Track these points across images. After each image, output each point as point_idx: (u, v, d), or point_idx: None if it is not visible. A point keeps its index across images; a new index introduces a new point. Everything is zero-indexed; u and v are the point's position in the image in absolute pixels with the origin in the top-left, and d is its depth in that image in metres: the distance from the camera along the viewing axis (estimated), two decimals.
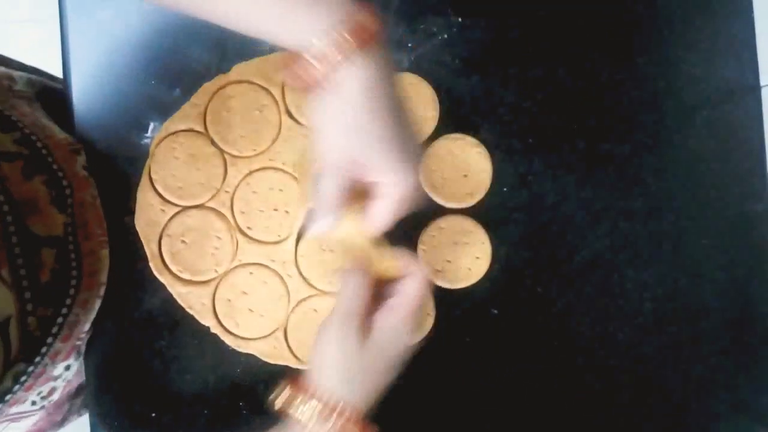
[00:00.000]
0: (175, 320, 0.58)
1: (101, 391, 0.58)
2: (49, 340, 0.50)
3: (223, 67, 0.59)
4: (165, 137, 0.58)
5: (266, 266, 0.58)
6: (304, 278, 0.58)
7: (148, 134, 0.59)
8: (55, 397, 0.57)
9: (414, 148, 0.42)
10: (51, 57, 0.65)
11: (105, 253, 0.57)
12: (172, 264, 0.58)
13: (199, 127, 0.58)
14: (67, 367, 0.56)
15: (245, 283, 0.58)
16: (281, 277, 0.58)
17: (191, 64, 0.59)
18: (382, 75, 0.39)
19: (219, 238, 0.58)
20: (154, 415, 0.58)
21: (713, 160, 0.60)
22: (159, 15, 0.59)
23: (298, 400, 0.44)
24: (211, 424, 0.58)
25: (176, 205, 0.58)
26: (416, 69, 0.59)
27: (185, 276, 0.58)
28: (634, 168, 0.60)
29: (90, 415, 0.58)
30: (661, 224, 0.60)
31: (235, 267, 0.58)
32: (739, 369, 0.60)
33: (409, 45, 0.59)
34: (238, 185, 0.58)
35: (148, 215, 0.58)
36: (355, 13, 0.37)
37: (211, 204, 0.58)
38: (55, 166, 0.54)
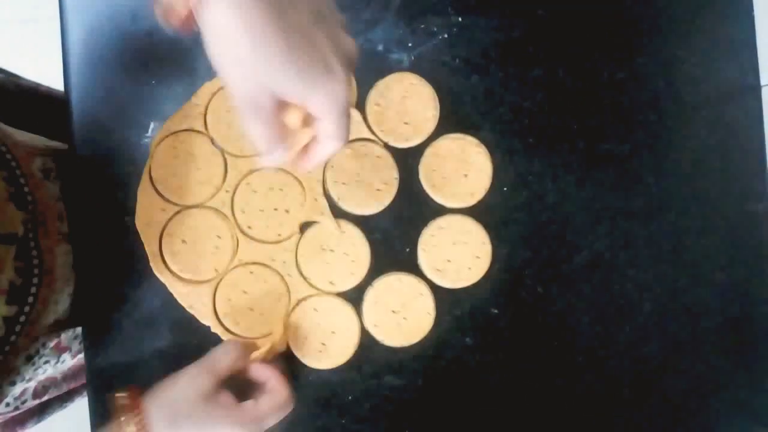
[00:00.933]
0: (175, 320, 0.58)
1: (101, 391, 0.58)
2: (13, 338, 0.51)
3: None
4: (165, 137, 0.58)
5: (266, 266, 0.58)
6: (304, 278, 0.58)
7: (148, 134, 0.59)
8: (28, 398, 0.58)
9: (331, 53, 0.37)
10: (51, 57, 0.65)
11: (61, 249, 0.57)
12: (172, 264, 0.58)
13: (200, 127, 0.58)
14: (35, 366, 0.57)
15: (245, 283, 0.58)
16: (281, 277, 0.58)
17: (191, 63, 0.59)
18: None
19: (219, 237, 0.58)
20: None
21: (713, 160, 0.60)
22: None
23: (125, 413, 0.46)
24: None
25: (176, 205, 0.58)
26: (416, 69, 0.59)
27: (185, 276, 0.58)
28: (634, 168, 0.60)
29: (90, 415, 0.58)
30: (661, 224, 0.60)
31: (235, 266, 0.58)
32: (739, 369, 0.60)
33: (409, 45, 0.59)
34: (238, 185, 0.58)
35: (148, 215, 0.58)
36: None
37: (211, 204, 0.58)
38: (13, 164, 0.54)
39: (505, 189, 0.59)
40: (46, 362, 0.59)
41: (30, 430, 0.66)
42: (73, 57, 0.59)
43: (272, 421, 0.50)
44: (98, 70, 0.59)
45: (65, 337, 0.60)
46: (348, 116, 0.40)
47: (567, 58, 0.60)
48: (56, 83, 0.65)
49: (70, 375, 0.67)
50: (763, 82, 0.61)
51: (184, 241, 0.58)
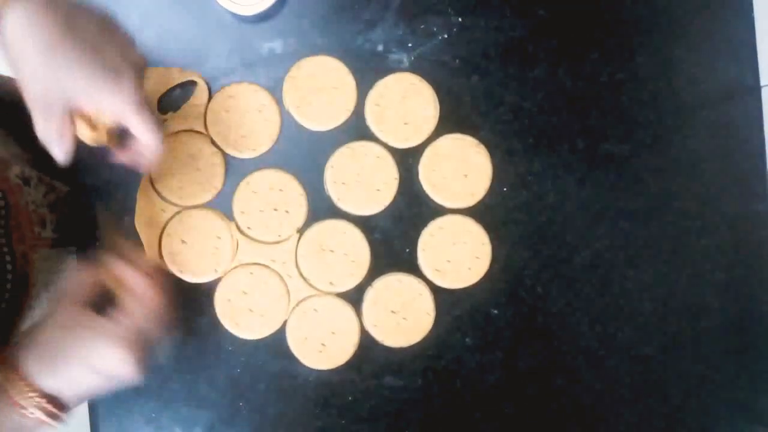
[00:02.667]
0: (174, 320, 0.58)
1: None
2: None
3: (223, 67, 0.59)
4: (165, 137, 0.58)
5: (266, 266, 0.58)
6: (304, 278, 0.58)
7: None
8: None
9: (120, 61, 0.42)
10: None
11: (40, 255, 0.56)
12: (172, 264, 0.58)
13: (199, 127, 0.58)
14: None
15: (245, 283, 0.58)
16: (281, 277, 0.58)
17: (191, 64, 0.59)
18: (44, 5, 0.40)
19: (219, 238, 0.58)
20: (154, 415, 0.58)
21: (713, 160, 0.60)
22: (159, 16, 0.59)
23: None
24: (211, 424, 0.58)
25: (176, 205, 0.58)
26: (416, 69, 0.59)
27: (185, 276, 0.58)
28: (634, 168, 0.60)
29: (90, 415, 0.58)
30: (661, 224, 0.60)
31: (235, 267, 0.58)
32: (739, 369, 0.60)
33: (409, 45, 0.59)
34: (238, 185, 0.58)
35: (148, 215, 0.58)
36: None
37: (211, 204, 0.58)
38: None
39: (505, 189, 0.59)
40: None
41: None
42: None
43: (151, 325, 0.47)
44: None
45: None
46: (146, 112, 0.44)
47: (567, 58, 0.60)
48: None
49: None
50: (763, 82, 0.61)
51: (184, 241, 0.58)
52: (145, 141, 0.46)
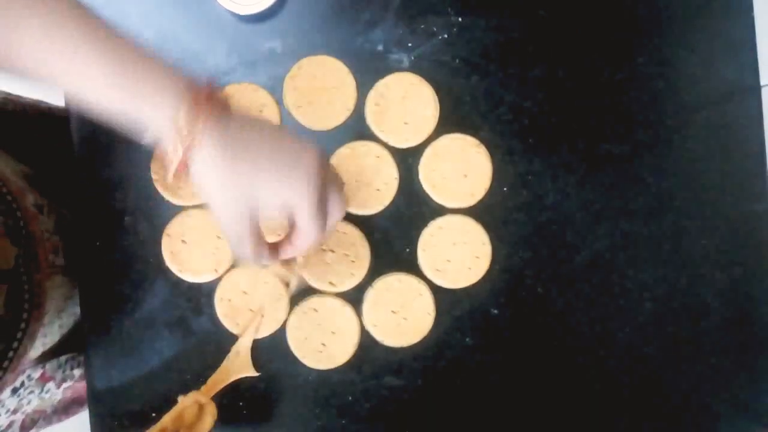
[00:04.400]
0: (175, 320, 0.58)
1: (101, 391, 0.58)
2: (0, 374, 0.50)
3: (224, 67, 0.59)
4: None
5: (266, 266, 0.58)
6: (304, 278, 0.58)
7: None
8: (15, 430, 0.58)
9: (296, 158, 0.41)
10: None
11: (53, 283, 0.56)
12: (172, 264, 0.58)
13: None
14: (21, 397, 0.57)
15: (245, 283, 0.58)
16: (281, 277, 0.58)
17: (191, 64, 0.59)
18: (236, 129, 0.40)
19: (219, 238, 0.58)
20: (154, 415, 0.58)
21: (713, 160, 0.60)
22: (159, 16, 0.59)
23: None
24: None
25: (176, 205, 0.58)
26: (416, 69, 0.59)
27: (185, 276, 0.58)
28: (634, 168, 0.60)
29: (90, 415, 0.58)
30: (661, 224, 0.60)
31: (235, 267, 0.58)
32: (739, 369, 0.60)
33: (409, 45, 0.59)
34: None
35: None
36: (189, 89, 0.39)
37: None
38: (9, 197, 0.53)
39: (505, 189, 0.59)
40: (31, 392, 0.58)
41: None
42: None
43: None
44: None
45: (49, 367, 0.60)
46: (322, 216, 0.43)
47: (567, 58, 0.60)
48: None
49: (61, 409, 0.66)
50: (763, 82, 0.61)
51: (184, 241, 0.58)
52: (300, 243, 0.44)
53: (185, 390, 0.57)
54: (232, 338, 0.58)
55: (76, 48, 0.37)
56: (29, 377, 0.57)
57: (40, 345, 0.56)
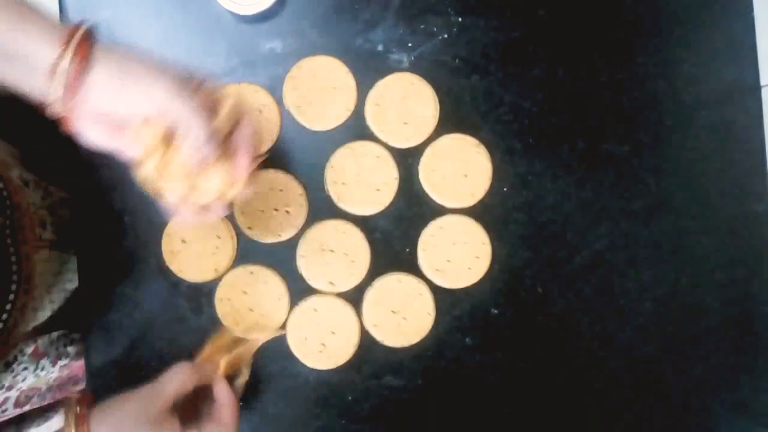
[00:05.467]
0: (174, 320, 0.58)
1: (101, 391, 0.58)
2: None
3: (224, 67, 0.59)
4: None
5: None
6: (304, 278, 0.58)
7: None
8: (9, 407, 0.58)
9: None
10: None
11: (41, 256, 0.56)
12: (172, 264, 0.58)
13: None
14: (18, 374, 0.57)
15: (245, 283, 0.58)
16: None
17: (191, 63, 0.59)
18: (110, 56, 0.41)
19: (219, 238, 0.58)
20: None
21: (713, 160, 0.60)
22: (159, 16, 0.59)
23: (72, 421, 0.47)
24: None
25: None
26: (416, 69, 0.59)
27: (185, 276, 0.58)
28: (634, 168, 0.60)
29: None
30: (661, 224, 0.60)
31: (235, 267, 0.58)
32: (739, 369, 0.60)
33: (409, 45, 0.59)
34: None
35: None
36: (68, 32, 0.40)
37: None
38: None
39: (505, 189, 0.59)
40: (25, 369, 0.58)
41: None
42: None
43: None
44: None
45: (41, 342, 0.60)
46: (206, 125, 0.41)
47: (567, 58, 0.60)
48: None
49: (55, 386, 0.66)
50: (763, 82, 0.61)
51: (184, 241, 0.58)
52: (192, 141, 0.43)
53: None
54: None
55: None
56: (21, 351, 0.57)
57: (31, 320, 0.56)
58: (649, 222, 0.60)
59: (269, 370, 0.58)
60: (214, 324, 0.58)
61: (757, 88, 0.61)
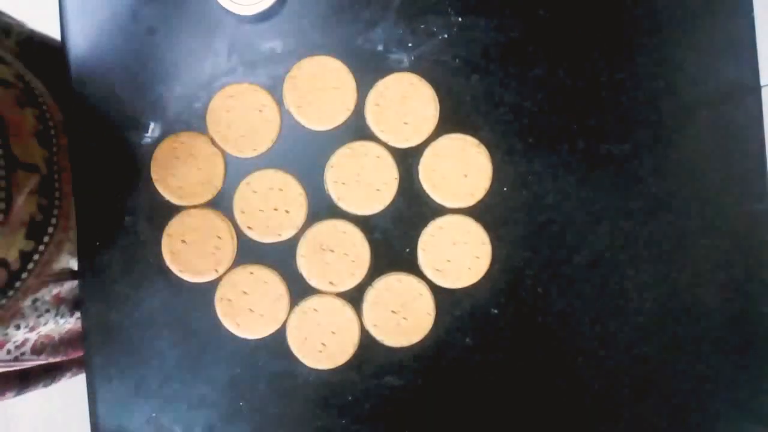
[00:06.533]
0: (175, 320, 0.58)
1: (101, 391, 0.58)
2: (24, 275, 0.52)
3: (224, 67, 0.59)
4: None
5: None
6: (304, 278, 0.58)
7: (148, 134, 0.59)
8: (26, 351, 0.59)
9: None
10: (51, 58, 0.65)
11: (72, 202, 0.59)
12: (172, 264, 0.58)
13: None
14: (40, 316, 0.58)
15: (245, 283, 0.58)
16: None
17: (191, 64, 0.59)
18: None
19: (219, 238, 0.58)
20: (154, 415, 0.58)
21: (713, 160, 0.60)
22: (159, 16, 0.59)
23: None
24: (211, 424, 0.58)
25: (176, 205, 0.58)
26: (416, 69, 0.59)
27: (185, 276, 0.58)
28: (634, 168, 0.60)
29: (90, 415, 0.58)
30: (661, 224, 0.60)
31: (235, 267, 0.58)
32: (739, 369, 0.60)
33: (409, 45, 0.59)
34: (238, 185, 0.58)
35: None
36: None
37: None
38: (44, 107, 0.57)
39: (505, 189, 0.59)
40: (47, 311, 0.60)
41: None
42: (73, 57, 0.59)
43: None
44: (98, 70, 0.59)
45: (64, 288, 0.61)
46: None
47: (567, 58, 0.60)
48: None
49: (66, 339, 0.67)
50: (763, 82, 0.61)
51: (184, 241, 0.58)
52: None
53: (185, 389, 0.57)
54: (233, 338, 0.58)
55: None
56: (49, 291, 0.58)
57: (63, 258, 0.58)
58: (649, 222, 0.60)
59: (269, 370, 0.58)
60: (214, 324, 0.58)
61: (757, 88, 0.61)
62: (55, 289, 0.59)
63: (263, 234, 0.58)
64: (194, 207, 0.58)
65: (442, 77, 0.59)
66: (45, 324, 0.60)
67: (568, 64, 0.60)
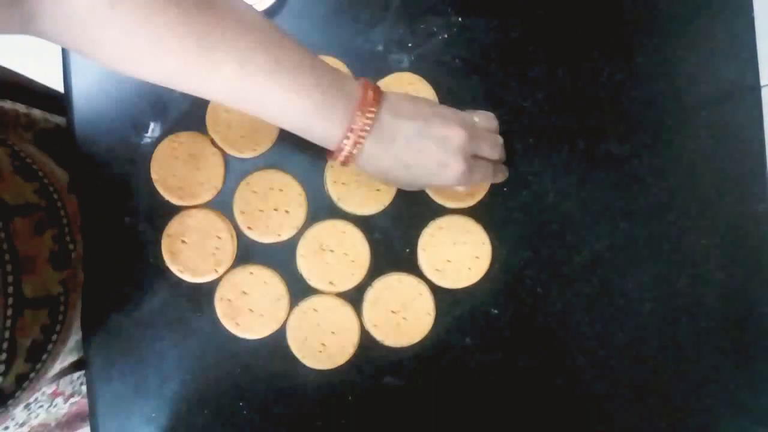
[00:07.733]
0: (175, 320, 0.58)
1: (101, 391, 0.58)
2: (18, 393, 0.49)
3: None
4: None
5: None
6: (304, 278, 0.58)
7: (148, 134, 0.59)
8: None
9: (441, 152, 0.49)
10: (51, 57, 0.65)
11: (79, 303, 0.56)
12: (172, 264, 0.58)
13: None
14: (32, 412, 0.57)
15: (245, 283, 0.58)
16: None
17: None
18: (389, 123, 0.47)
19: (219, 238, 0.58)
20: (154, 415, 0.58)
21: (713, 160, 0.60)
22: None
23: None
24: (211, 424, 0.58)
25: (176, 205, 0.58)
26: (416, 69, 0.59)
27: (185, 276, 0.58)
28: (634, 168, 0.60)
29: (90, 416, 0.58)
30: (661, 224, 0.60)
31: (235, 267, 0.58)
32: (739, 369, 0.60)
33: (409, 45, 0.59)
34: (238, 185, 0.58)
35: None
36: (360, 98, 0.46)
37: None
38: (65, 220, 0.54)
39: (505, 189, 0.59)
40: (40, 407, 0.59)
41: None
42: (74, 57, 0.59)
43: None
44: (98, 70, 0.59)
45: (62, 383, 0.60)
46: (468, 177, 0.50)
47: (567, 58, 0.60)
48: (56, 83, 0.65)
49: (64, 422, 0.66)
50: (763, 82, 0.61)
51: (184, 241, 0.58)
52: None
53: (184, 389, 0.57)
54: (233, 338, 0.58)
55: (271, 76, 0.43)
56: (43, 393, 0.57)
57: (59, 364, 0.56)
58: (649, 222, 0.60)
59: (269, 370, 0.58)
60: (214, 324, 0.58)
61: (757, 88, 0.61)
62: (51, 388, 0.58)
63: (263, 234, 0.58)
64: (194, 207, 0.58)
65: (442, 77, 0.59)
66: (37, 417, 0.59)
67: (568, 64, 0.60)
